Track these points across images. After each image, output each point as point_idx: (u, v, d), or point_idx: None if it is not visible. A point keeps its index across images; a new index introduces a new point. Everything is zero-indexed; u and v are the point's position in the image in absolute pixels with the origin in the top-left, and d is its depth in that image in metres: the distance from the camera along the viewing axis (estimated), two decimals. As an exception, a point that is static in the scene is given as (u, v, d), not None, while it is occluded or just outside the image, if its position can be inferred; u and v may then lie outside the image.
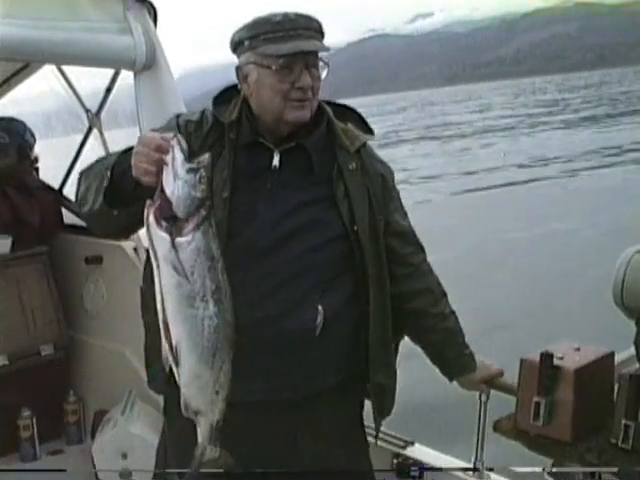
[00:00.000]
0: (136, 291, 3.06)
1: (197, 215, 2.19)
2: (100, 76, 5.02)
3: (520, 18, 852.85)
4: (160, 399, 4.08)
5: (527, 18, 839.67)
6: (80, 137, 5.56)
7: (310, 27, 2.65)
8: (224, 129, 2.76)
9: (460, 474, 3.40)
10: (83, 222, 5.45)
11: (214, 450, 2.36)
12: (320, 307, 2.70)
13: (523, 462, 2.94)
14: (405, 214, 3.07)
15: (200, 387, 2.27)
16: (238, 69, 2.74)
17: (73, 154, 5.70)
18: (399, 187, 3.09)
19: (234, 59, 2.74)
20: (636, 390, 2.66)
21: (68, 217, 5.65)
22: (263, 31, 2.63)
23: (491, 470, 3.24)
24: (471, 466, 3.36)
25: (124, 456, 4.46)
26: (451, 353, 3.12)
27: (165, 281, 2.20)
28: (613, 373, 2.92)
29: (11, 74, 5.57)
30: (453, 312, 3.13)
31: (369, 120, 3.00)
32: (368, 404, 3.07)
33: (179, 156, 2.19)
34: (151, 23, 4.23)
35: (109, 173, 2.48)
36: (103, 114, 5.28)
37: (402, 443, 3.72)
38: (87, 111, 5.30)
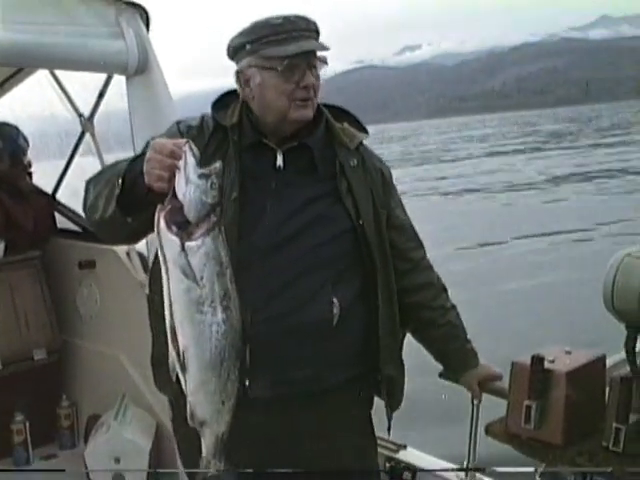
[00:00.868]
0: (129, 295, 3.07)
1: (207, 220, 2.19)
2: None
3: (508, 51, 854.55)
4: (153, 403, 4.10)
5: (514, 52, 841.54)
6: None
7: (309, 28, 2.71)
8: (226, 132, 2.80)
9: (452, 476, 3.41)
10: (79, 227, 5.51)
11: (219, 465, 2.35)
12: (335, 299, 2.73)
13: (514, 465, 2.95)
14: (404, 210, 3.10)
15: (206, 395, 2.26)
16: (239, 73, 2.78)
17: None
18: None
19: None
20: (627, 393, 2.67)
21: (61, 222, 5.66)
22: (264, 34, 2.68)
23: (482, 470, 3.23)
24: (463, 467, 3.38)
25: (117, 460, 4.46)
26: (453, 347, 3.15)
27: (174, 285, 2.20)
28: (604, 376, 2.92)
29: (4, 78, 5.56)
30: (454, 306, 3.16)
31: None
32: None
33: (191, 161, 2.20)
34: (143, 28, 4.23)
35: (120, 181, 2.48)
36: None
37: (394, 447, 3.72)
38: (80, 116, 5.31)
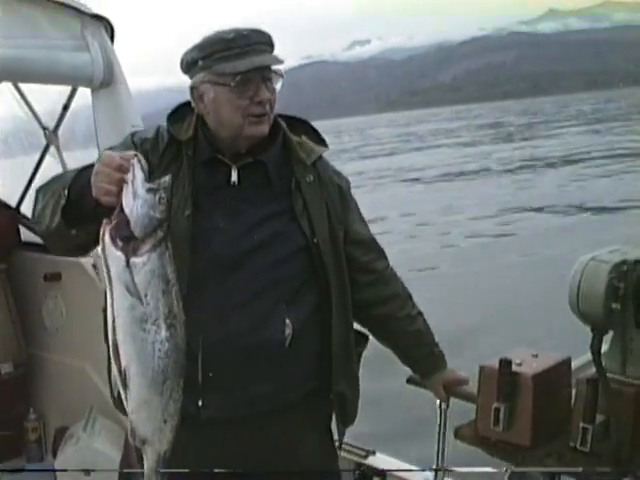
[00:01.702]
0: (95, 307, 3.06)
1: (154, 236, 2.17)
2: (57, 94, 5.02)
3: (456, 46, 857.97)
4: (122, 414, 4.07)
5: (463, 46, 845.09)
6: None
7: (262, 41, 2.67)
8: (180, 146, 2.76)
9: (420, 478, 3.44)
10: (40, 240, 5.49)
11: None
12: (288, 320, 2.71)
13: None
14: (365, 223, 3.09)
15: (148, 414, 2.23)
16: (193, 89, 2.73)
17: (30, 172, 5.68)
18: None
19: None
20: (593, 394, 2.73)
21: (26, 235, 5.63)
22: (216, 50, 2.64)
23: (450, 471, 3.27)
24: (433, 475, 3.41)
25: (87, 472, 4.44)
26: (421, 353, 3.16)
27: (117, 302, 2.16)
28: (570, 378, 2.98)
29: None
30: (420, 313, 3.16)
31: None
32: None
33: (139, 175, 2.18)
34: (108, 40, 4.24)
35: (66, 192, 2.46)
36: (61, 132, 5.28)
37: (363, 453, 3.76)
38: (44, 129, 5.29)
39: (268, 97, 2.67)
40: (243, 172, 2.76)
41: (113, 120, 4.25)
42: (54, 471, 4.44)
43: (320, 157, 2.94)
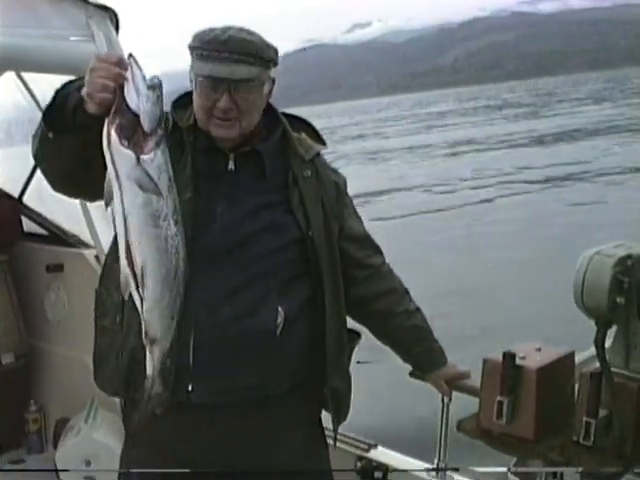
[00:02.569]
0: (97, 298, 3.06)
1: (157, 133, 2.19)
2: (60, 83, 5.00)
3: (457, 27, 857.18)
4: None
5: (464, 27, 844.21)
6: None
7: (241, 51, 2.61)
8: (182, 133, 2.77)
9: (424, 476, 3.44)
10: (46, 231, 5.49)
11: (162, 385, 2.39)
12: (280, 308, 2.72)
13: (486, 462, 2.99)
14: (360, 220, 3.11)
15: (160, 312, 2.27)
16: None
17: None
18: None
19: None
20: (596, 388, 2.72)
21: (28, 225, 5.63)
22: (195, 45, 2.65)
23: (456, 470, 3.27)
24: (435, 466, 3.41)
25: (88, 463, 4.45)
26: (420, 349, 3.17)
27: (129, 200, 2.17)
28: (574, 372, 2.98)
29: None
30: (418, 308, 3.17)
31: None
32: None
33: (138, 72, 2.18)
34: (113, 31, 4.22)
35: (54, 94, 2.42)
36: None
37: (365, 446, 3.75)
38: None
39: (226, 106, 2.64)
40: (240, 160, 2.78)
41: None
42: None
43: (318, 154, 2.96)
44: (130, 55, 2.24)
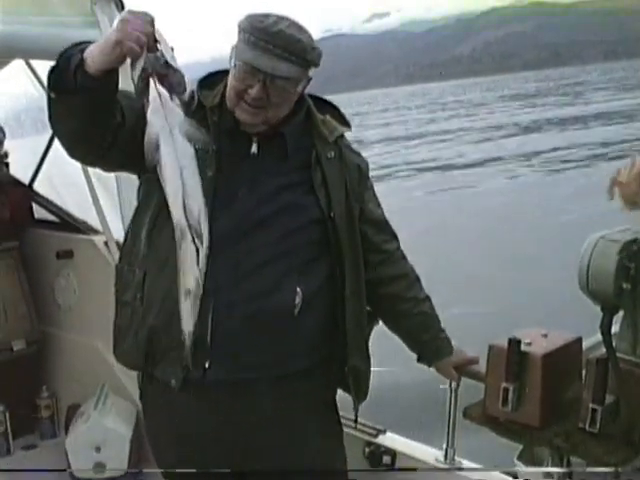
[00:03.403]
0: (107, 285, 3.06)
1: (185, 94, 2.28)
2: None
3: (475, 17, 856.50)
4: (133, 392, 4.09)
5: (482, 17, 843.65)
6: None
7: (287, 48, 2.60)
8: (206, 112, 2.77)
9: (432, 461, 3.43)
10: (57, 218, 5.50)
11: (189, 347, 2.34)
12: (298, 288, 2.73)
13: (493, 447, 2.98)
14: (379, 204, 3.11)
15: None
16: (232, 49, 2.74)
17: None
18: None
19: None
20: (603, 374, 2.71)
21: (39, 212, 5.65)
22: (244, 28, 2.62)
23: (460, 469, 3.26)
24: (443, 454, 3.41)
25: (98, 449, 4.47)
26: (427, 336, 3.15)
27: (182, 152, 2.24)
28: (581, 358, 2.96)
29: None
30: (428, 297, 3.16)
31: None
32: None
33: (164, 40, 2.25)
34: (119, 16, 4.21)
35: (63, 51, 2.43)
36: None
37: (374, 431, 3.74)
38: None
39: (257, 96, 2.63)
40: (263, 143, 2.78)
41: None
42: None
43: (342, 136, 2.95)
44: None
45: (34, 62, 5.22)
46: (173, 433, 2.86)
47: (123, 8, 4.25)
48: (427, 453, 3.53)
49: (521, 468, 3.09)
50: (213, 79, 2.84)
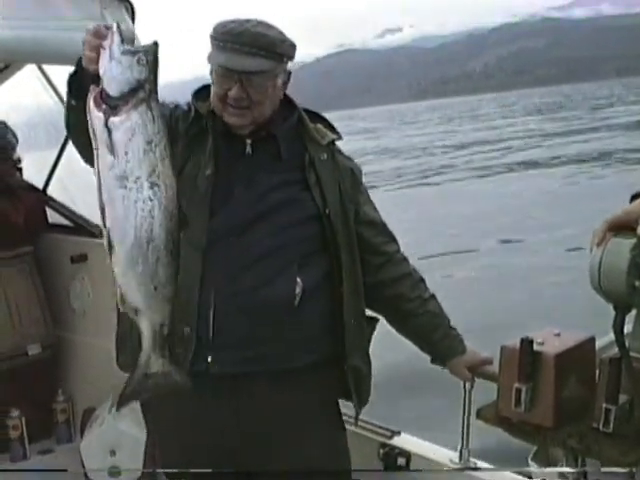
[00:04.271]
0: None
1: (134, 96, 2.19)
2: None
3: (488, 33, 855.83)
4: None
5: (495, 33, 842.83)
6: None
7: (254, 44, 2.69)
8: (204, 120, 2.85)
9: (447, 462, 3.42)
10: (71, 222, 5.51)
11: (161, 362, 2.32)
12: (298, 278, 2.77)
13: (506, 448, 2.96)
14: (375, 208, 3.14)
15: (136, 280, 2.22)
16: None
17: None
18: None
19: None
20: (616, 374, 2.67)
21: (53, 217, 5.66)
22: (214, 35, 2.74)
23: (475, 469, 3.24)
24: (457, 455, 3.40)
25: (112, 453, 4.48)
26: (437, 336, 3.15)
27: (100, 162, 2.19)
28: (594, 358, 2.92)
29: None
30: (433, 296, 3.17)
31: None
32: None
33: (116, 39, 2.20)
34: (129, 21, 4.21)
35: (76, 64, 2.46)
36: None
37: (388, 433, 3.73)
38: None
39: (238, 96, 2.73)
40: (257, 144, 2.86)
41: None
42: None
43: (333, 142, 3.01)
44: (116, 22, 2.27)
45: (49, 70, 5.24)
46: (176, 426, 2.89)
47: (134, 13, 4.26)
48: (442, 454, 3.52)
49: (535, 468, 3.05)
50: (206, 91, 2.90)
